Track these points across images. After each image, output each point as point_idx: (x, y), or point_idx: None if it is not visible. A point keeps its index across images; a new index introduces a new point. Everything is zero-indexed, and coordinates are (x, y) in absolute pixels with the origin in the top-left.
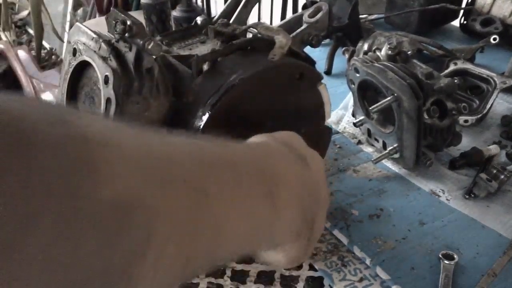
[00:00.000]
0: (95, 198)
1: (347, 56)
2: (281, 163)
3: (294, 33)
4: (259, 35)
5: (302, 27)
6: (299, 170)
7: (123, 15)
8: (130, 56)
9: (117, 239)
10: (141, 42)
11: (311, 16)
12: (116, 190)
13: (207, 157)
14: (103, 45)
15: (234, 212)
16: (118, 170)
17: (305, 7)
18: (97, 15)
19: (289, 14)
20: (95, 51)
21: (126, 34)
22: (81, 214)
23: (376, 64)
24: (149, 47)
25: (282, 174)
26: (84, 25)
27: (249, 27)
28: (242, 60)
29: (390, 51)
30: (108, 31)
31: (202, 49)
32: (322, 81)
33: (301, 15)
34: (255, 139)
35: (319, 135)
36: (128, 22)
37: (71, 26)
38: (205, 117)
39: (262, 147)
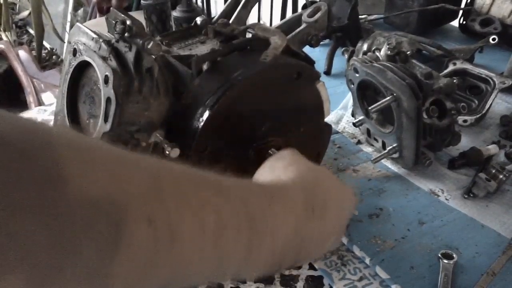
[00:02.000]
0: (62, 198)
1: (346, 56)
2: (280, 212)
3: (294, 33)
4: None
5: (302, 27)
6: (301, 220)
7: (123, 15)
8: (130, 56)
9: (86, 236)
10: (141, 42)
11: (310, 16)
12: (82, 187)
13: (197, 197)
14: (103, 45)
15: (201, 256)
16: (84, 168)
17: (304, 7)
18: (97, 15)
19: (289, 14)
20: (95, 51)
21: (126, 34)
22: (51, 215)
23: (376, 64)
24: (149, 47)
25: (275, 225)
26: (84, 26)
27: (248, 27)
28: (241, 60)
29: (389, 51)
30: (108, 31)
31: (202, 49)
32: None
33: (301, 15)
34: (264, 177)
35: (319, 133)
36: (128, 22)
37: (71, 26)
38: (204, 118)
39: (268, 191)
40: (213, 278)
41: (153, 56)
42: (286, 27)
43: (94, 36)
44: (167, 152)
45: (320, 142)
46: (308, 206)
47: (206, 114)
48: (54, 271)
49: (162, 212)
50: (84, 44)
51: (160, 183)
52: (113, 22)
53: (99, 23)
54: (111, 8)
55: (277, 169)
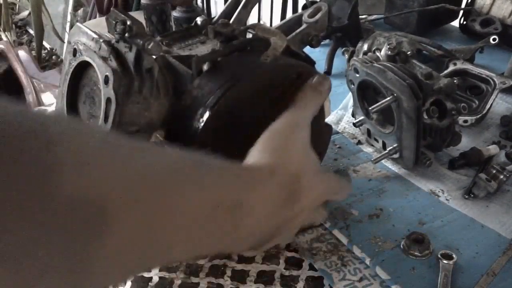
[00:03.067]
0: (57, 195)
1: (346, 56)
2: (256, 195)
3: (294, 33)
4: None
5: (302, 27)
6: (276, 203)
7: (123, 15)
8: (130, 56)
9: (76, 231)
10: (141, 42)
11: (311, 16)
12: (76, 185)
13: (177, 179)
14: (103, 45)
15: (186, 235)
16: (78, 168)
17: (305, 7)
18: (97, 15)
19: (289, 14)
20: (95, 51)
21: (126, 34)
22: (45, 211)
23: (376, 65)
24: (149, 47)
25: (250, 206)
26: (84, 26)
27: (248, 28)
28: (241, 60)
29: (389, 52)
30: (108, 32)
31: (202, 49)
32: None
33: (301, 15)
34: (253, 159)
35: (319, 133)
36: (128, 22)
37: (71, 27)
38: (204, 118)
39: (244, 177)
40: (202, 251)
41: (154, 57)
42: (286, 28)
43: (94, 36)
44: None
45: (321, 142)
46: (280, 191)
47: (207, 115)
48: (39, 268)
49: (139, 214)
50: (84, 44)
51: (143, 183)
52: (114, 22)
53: (99, 23)
54: (111, 8)
55: (266, 151)
